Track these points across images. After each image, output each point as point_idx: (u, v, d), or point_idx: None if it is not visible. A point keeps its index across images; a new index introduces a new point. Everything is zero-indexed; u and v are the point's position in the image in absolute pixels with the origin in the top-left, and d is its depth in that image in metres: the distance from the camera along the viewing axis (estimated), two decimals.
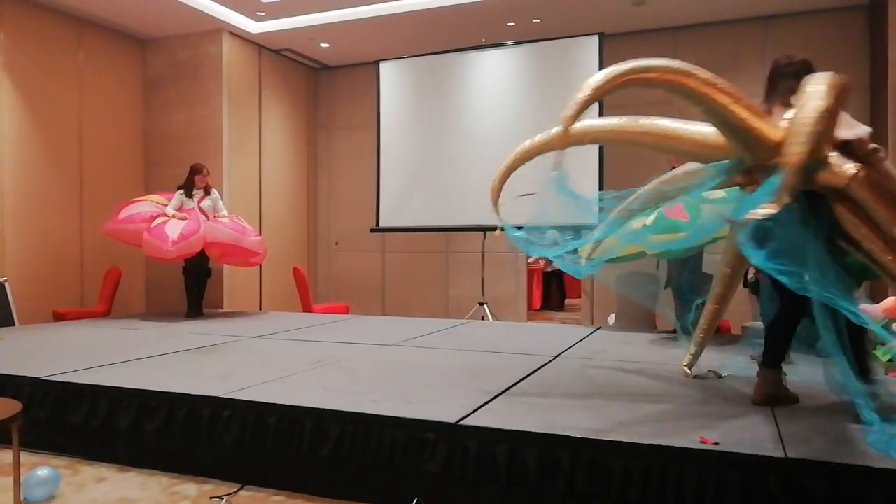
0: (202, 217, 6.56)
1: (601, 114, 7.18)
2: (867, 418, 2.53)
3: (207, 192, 6.69)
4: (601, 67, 7.21)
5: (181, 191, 6.63)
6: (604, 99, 7.23)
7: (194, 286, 6.68)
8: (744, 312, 6.61)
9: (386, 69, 8.33)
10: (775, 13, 7.42)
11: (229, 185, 7.94)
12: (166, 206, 6.61)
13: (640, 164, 7.92)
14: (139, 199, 6.89)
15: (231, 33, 8.06)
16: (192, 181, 6.62)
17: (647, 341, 5.08)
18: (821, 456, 2.35)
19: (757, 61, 7.59)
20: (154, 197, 6.89)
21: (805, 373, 3.57)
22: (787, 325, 3.18)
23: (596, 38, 7.26)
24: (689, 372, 3.82)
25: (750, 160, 3.04)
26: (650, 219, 4.65)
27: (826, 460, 2.32)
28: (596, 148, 7.11)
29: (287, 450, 2.98)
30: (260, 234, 7.49)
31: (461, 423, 2.78)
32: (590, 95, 3.03)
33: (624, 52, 7.81)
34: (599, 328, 5.96)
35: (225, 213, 6.77)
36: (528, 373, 3.82)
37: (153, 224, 6.34)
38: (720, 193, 4.78)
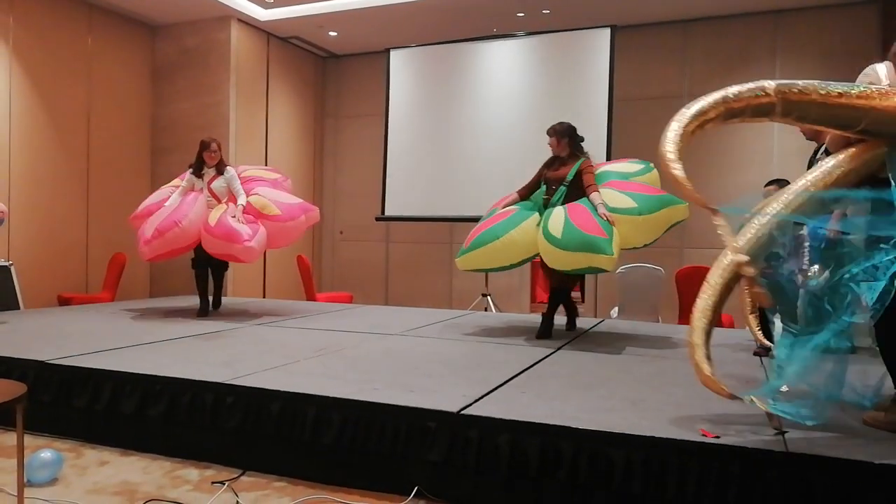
0: (212, 201, 5.57)
1: (611, 106, 7.17)
2: None
3: (220, 171, 5.63)
4: (612, 60, 7.20)
5: (190, 170, 5.70)
6: (613, 91, 7.23)
7: (215, 279, 5.81)
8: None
9: (395, 58, 8.32)
10: (786, 7, 7.37)
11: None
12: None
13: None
14: (165, 186, 6.04)
15: (240, 20, 8.05)
16: (202, 158, 5.63)
17: (649, 334, 5.07)
18: (822, 451, 2.34)
19: (767, 55, 7.55)
20: (177, 181, 5.96)
21: None
22: None
23: (608, 30, 7.23)
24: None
25: None
26: (558, 224, 4.38)
27: (827, 455, 2.31)
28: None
29: (289, 436, 2.99)
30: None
31: (463, 412, 2.78)
32: None
33: (635, 44, 7.83)
34: (603, 321, 5.95)
35: (243, 199, 5.54)
36: (530, 363, 3.82)
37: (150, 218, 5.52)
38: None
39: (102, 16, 7.66)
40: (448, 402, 2.90)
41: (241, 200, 5.52)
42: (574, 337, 4.86)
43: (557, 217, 4.46)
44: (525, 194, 4.99)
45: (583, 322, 5.87)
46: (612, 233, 4.24)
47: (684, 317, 6.05)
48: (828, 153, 3.59)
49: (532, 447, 2.59)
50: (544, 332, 4.76)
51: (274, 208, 5.59)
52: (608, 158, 7.04)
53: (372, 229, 9.06)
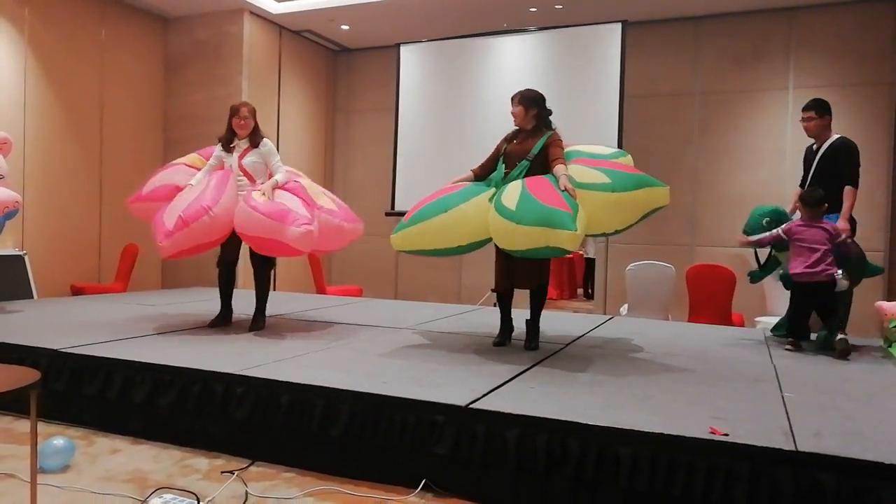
0: (243, 181, 4.54)
1: (621, 103, 7.14)
2: None
3: (254, 144, 4.61)
4: (623, 56, 7.17)
5: (220, 144, 4.72)
6: (624, 87, 7.22)
7: (258, 281, 4.70)
8: (756, 307, 6.58)
9: (406, 52, 8.31)
10: (801, 4, 7.31)
11: None
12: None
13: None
14: (175, 162, 5.04)
15: (252, 13, 8.07)
16: (231, 128, 4.64)
17: (659, 331, 5.06)
18: (832, 450, 2.34)
19: (781, 53, 7.50)
20: (192, 157, 5.00)
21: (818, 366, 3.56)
22: None
23: (619, 25, 7.20)
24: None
25: None
26: (513, 195, 3.73)
27: (837, 455, 2.31)
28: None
29: (298, 428, 3.01)
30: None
31: (471, 406, 2.79)
32: None
33: (646, 40, 7.80)
34: (612, 318, 5.95)
35: (281, 176, 4.52)
36: (539, 359, 3.83)
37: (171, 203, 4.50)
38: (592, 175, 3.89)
39: (116, 8, 7.70)
40: (456, 396, 2.91)
41: (280, 177, 4.50)
42: (583, 334, 4.86)
43: (513, 189, 3.79)
44: (481, 173, 4.28)
45: (592, 319, 5.88)
46: (577, 208, 3.55)
47: (694, 315, 6.04)
48: (824, 155, 4.52)
49: (540, 442, 2.60)
50: (503, 338, 4.28)
51: (329, 201, 4.66)
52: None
53: (382, 223, 9.05)
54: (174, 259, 4.73)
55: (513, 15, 7.79)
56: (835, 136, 4.57)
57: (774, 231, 4.37)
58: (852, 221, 4.38)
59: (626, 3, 7.31)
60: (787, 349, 4.33)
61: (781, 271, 4.58)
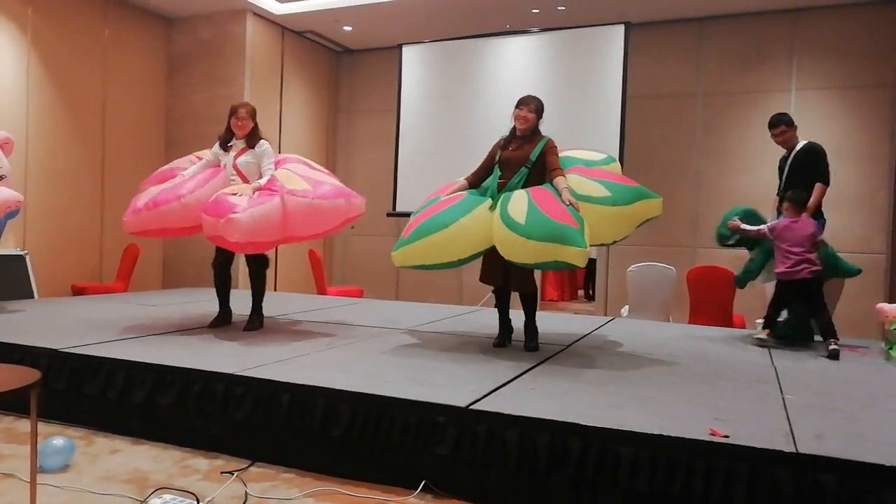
0: (236, 180, 4.56)
1: (623, 106, 7.14)
2: None
3: (251, 145, 4.62)
4: (626, 57, 7.17)
5: (218, 141, 4.77)
6: (627, 88, 7.21)
7: (252, 280, 4.75)
8: (757, 309, 6.56)
9: (408, 53, 8.31)
10: (804, 6, 7.30)
11: None
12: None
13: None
14: (167, 167, 4.98)
15: (255, 14, 8.08)
16: (230, 127, 4.66)
17: (660, 333, 5.05)
18: (832, 452, 2.33)
19: (784, 54, 7.49)
20: (206, 151, 4.92)
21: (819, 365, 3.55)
22: None
23: (622, 27, 7.19)
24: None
25: None
26: (520, 208, 3.76)
27: (838, 457, 2.30)
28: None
29: (298, 428, 3.01)
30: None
31: (472, 407, 2.79)
32: None
33: (649, 41, 7.79)
34: (613, 319, 5.94)
35: (265, 178, 4.42)
36: (540, 360, 3.82)
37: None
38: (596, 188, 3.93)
39: (119, 7, 7.71)
40: (457, 396, 2.91)
41: (263, 179, 4.43)
42: (584, 335, 4.85)
43: (519, 200, 3.82)
44: (475, 181, 4.31)
45: (593, 321, 5.87)
46: (584, 223, 3.65)
47: (695, 316, 6.03)
48: (795, 160, 4.76)
49: (540, 443, 2.59)
50: (503, 339, 4.32)
51: (301, 182, 4.48)
52: (621, 156, 7.00)
53: (383, 224, 9.07)
54: (140, 237, 5.00)
55: (515, 16, 7.79)
56: (802, 142, 4.82)
57: (762, 227, 4.61)
58: (822, 218, 4.67)
59: (629, 4, 7.31)
60: (758, 339, 4.60)
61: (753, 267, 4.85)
